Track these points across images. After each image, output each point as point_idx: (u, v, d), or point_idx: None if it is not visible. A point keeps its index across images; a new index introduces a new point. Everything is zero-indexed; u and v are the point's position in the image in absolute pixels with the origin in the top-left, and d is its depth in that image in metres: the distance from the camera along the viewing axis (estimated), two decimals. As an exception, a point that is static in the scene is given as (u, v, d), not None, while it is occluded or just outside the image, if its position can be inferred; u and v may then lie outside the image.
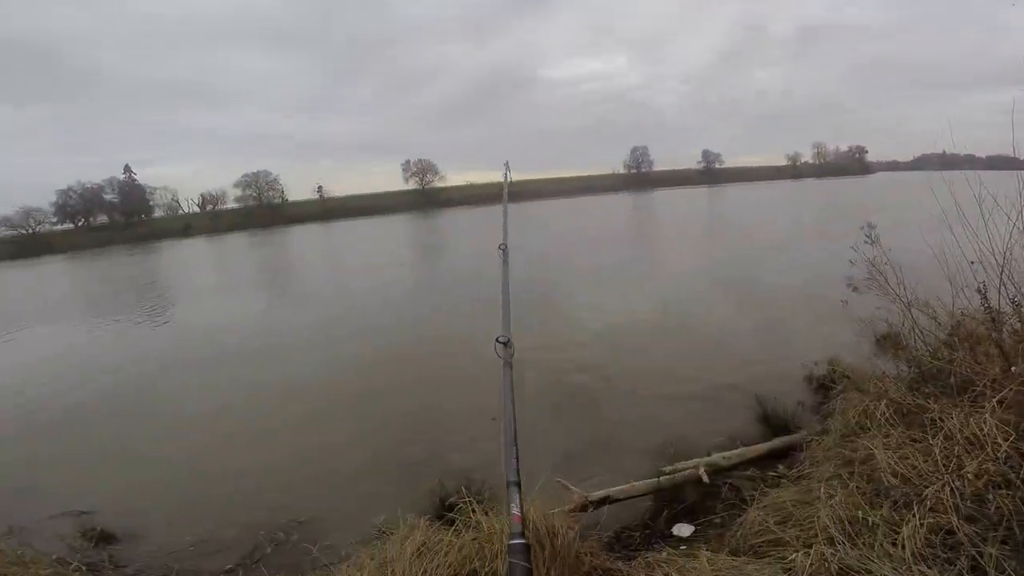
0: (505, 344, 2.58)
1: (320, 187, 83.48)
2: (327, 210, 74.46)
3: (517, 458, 2.12)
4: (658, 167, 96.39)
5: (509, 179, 4.58)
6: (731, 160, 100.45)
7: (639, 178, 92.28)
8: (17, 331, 14.78)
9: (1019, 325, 4.13)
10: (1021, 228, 4.15)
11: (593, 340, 8.68)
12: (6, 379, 9.98)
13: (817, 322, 7.75)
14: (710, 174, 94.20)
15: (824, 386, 5.49)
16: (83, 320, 15.30)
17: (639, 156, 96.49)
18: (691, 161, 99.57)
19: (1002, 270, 4.02)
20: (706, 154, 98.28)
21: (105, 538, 4.49)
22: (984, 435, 2.94)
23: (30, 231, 67.08)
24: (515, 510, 1.89)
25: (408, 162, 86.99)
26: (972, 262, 4.19)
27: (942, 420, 3.26)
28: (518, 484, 2.02)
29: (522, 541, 1.75)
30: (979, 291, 4.18)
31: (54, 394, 8.61)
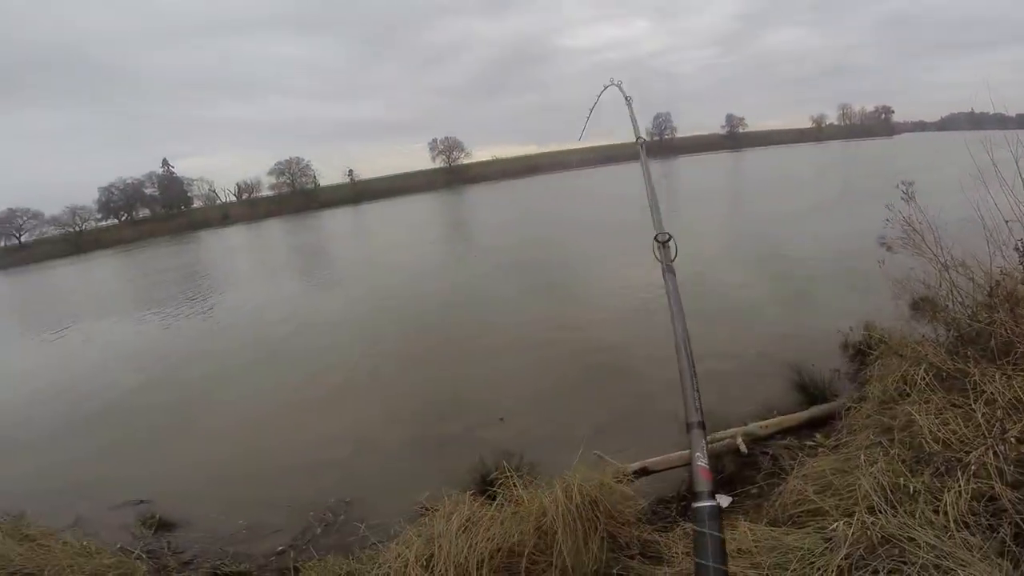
0: (664, 244, 2.12)
1: (351, 171, 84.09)
2: (358, 193, 75.37)
3: (698, 391, 1.63)
4: (681, 133, 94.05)
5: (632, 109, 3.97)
6: (755, 124, 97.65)
7: (662, 145, 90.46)
8: (68, 327, 15.42)
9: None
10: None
11: (622, 314, 8.68)
12: (60, 375, 10.46)
13: (850, 286, 7.60)
14: (733, 139, 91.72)
15: (861, 352, 5.42)
16: (130, 313, 15.86)
17: (661, 123, 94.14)
18: (715, 126, 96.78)
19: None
20: (729, 118, 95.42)
21: (163, 526, 4.72)
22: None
23: (77, 229, 69.38)
24: (701, 461, 1.44)
25: (435, 140, 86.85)
26: (1008, 221, 4.09)
27: (983, 384, 3.22)
28: (702, 425, 1.53)
29: (712, 503, 1.32)
30: (1017, 249, 4.09)
31: (104, 387, 9.01)
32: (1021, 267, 4.08)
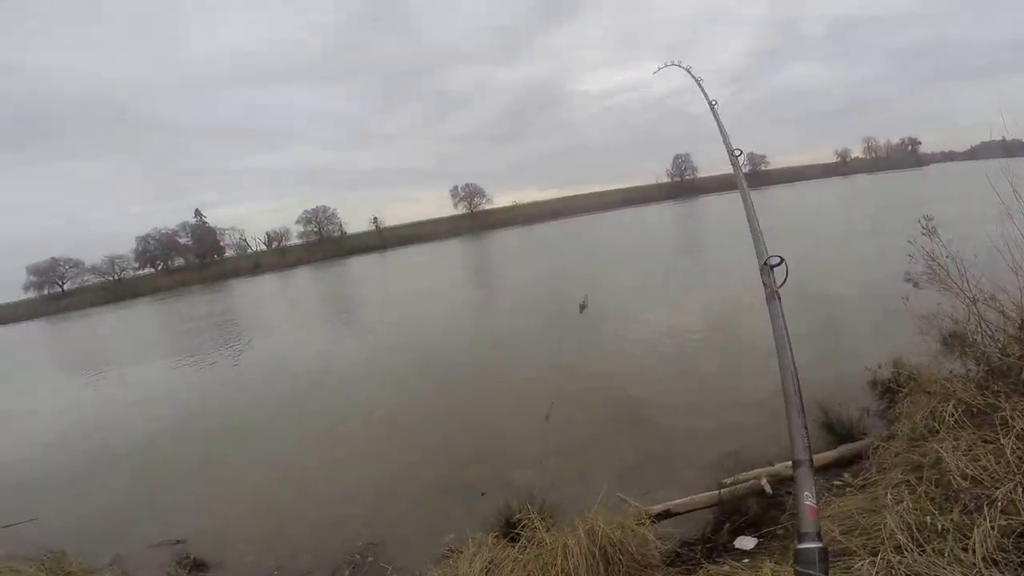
0: (772, 267, 1.99)
1: (375, 218, 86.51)
2: (383, 239, 77.23)
3: (806, 427, 1.57)
4: (702, 173, 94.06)
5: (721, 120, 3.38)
6: (778, 161, 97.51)
7: (683, 186, 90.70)
8: (104, 373, 16.10)
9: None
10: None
11: (647, 356, 8.65)
12: (96, 419, 10.80)
13: (879, 322, 7.48)
14: (756, 176, 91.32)
15: (890, 390, 5.31)
16: (164, 359, 16.34)
17: (681, 163, 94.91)
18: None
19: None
20: (751, 157, 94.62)
21: (198, 566, 4.82)
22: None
23: (116, 278, 72.89)
24: (808, 500, 1.39)
25: (456, 187, 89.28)
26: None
27: (1014, 419, 3.16)
28: (810, 463, 1.48)
29: (818, 545, 1.30)
30: None
31: (140, 432, 9.27)
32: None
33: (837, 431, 4.81)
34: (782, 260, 1.97)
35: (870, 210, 28.04)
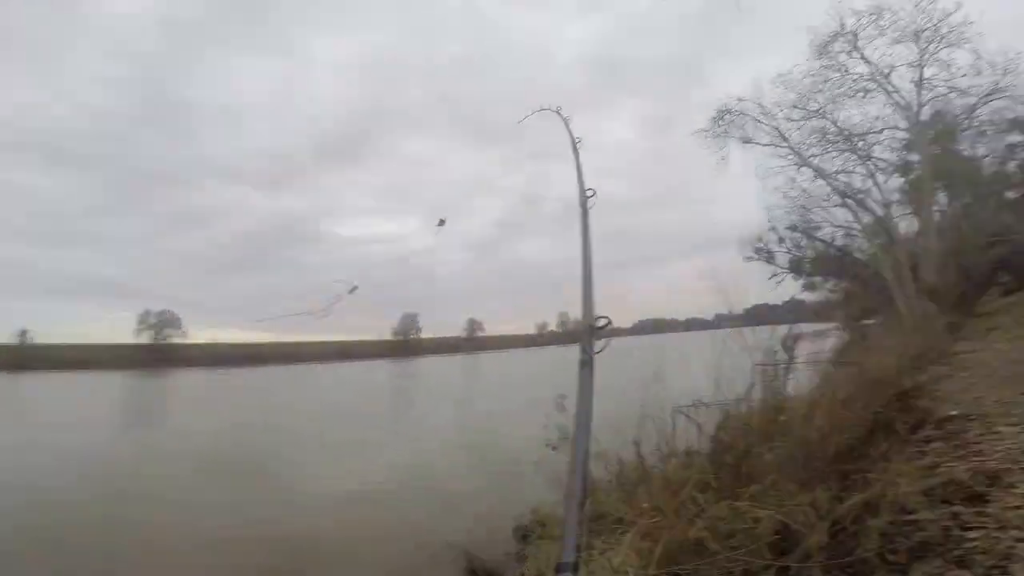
0: (595, 330, 1.79)
1: (25, 331, 67.58)
2: (23, 358, 59.33)
3: (581, 523, 1.30)
4: (428, 334, 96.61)
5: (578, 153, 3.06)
6: (492, 328, 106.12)
7: (405, 346, 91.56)
8: None
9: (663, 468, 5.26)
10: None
11: (320, 507, 8.29)
12: None
13: (531, 478, 8.52)
14: (472, 342, 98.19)
15: (527, 535, 5.98)
16: None
17: (408, 322, 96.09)
18: (457, 329, 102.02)
19: (640, 423, 5.20)
20: (470, 323, 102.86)
21: None
22: (618, 565, 3.57)
23: None
24: None
25: (147, 312, 74.98)
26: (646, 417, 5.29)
27: (597, 558, 3.85)
28: (576, 568, 1.17)
29: None
30: (634, 443, 5.29)
31: None
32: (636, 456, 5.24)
33: (479, 575, 5.15)
34: (609, 321, 1.84)
35: (556, 379, 32.48)
